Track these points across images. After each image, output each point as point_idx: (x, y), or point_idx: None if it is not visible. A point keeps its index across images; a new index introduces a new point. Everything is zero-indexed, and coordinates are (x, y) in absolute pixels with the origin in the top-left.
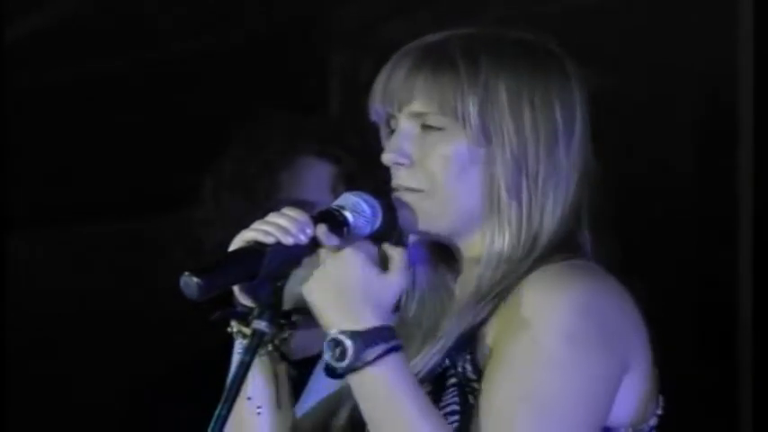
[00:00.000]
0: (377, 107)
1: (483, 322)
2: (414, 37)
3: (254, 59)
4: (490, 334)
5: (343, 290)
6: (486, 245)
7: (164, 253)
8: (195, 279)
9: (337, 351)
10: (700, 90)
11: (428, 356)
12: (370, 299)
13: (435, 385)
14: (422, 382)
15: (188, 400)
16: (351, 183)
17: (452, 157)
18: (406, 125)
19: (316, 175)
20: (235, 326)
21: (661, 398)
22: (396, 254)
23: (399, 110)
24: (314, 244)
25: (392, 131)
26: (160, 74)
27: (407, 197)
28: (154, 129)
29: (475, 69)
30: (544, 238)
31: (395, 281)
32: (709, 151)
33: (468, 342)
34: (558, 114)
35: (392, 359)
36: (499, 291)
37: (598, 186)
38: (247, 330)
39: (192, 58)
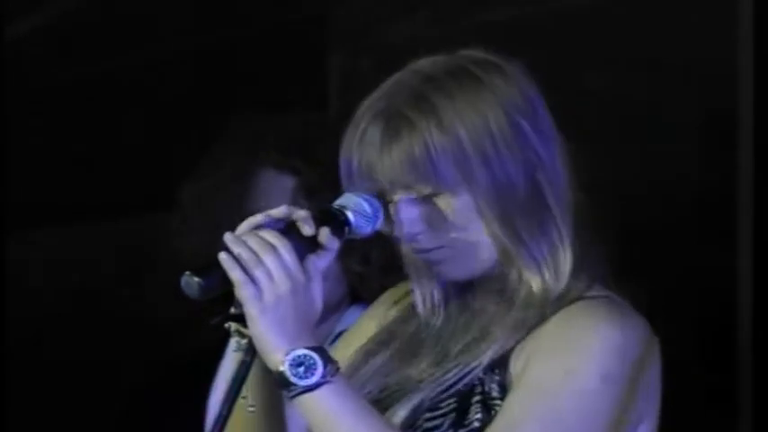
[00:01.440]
0: (360, 183)
1: (516, 345)
2: (413, 38)
3: (253, 59)
4: (522, 357)
5: (283, 313)
6: (513, 282)
7: (162, 253)
8: (196, 279)
9: (301, 369)
10: (700, 90)
11: (457, 375)
12: (308, 320)
13: (461, 401)
14: (447, 396)
15: (187, 400)
16: (311, 194)
17: (454, 212)
18: (403, 198)
19: (275, 187)
20: (233, 325)
21: None
22: (316, 264)
23: (392, 188)
24: (314, 243)
25: (386, 200)
26: (159, 73)
27: (435, 255)
28: (153, 128)
29: (436, 126)
30: (567, 254)
31: (316, 295)
32: (709, 151)
33: (499, 364)
34: (524, 125)
35: (344, 376)
36: (536, 319)
37: (591, 184)
38: (246, 330)
39: (192, 58)
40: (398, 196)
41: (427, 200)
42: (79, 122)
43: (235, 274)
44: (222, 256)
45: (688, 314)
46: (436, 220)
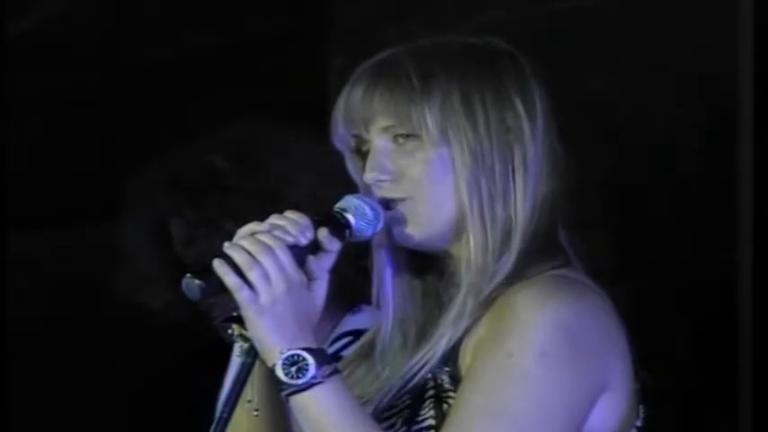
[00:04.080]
0: (342, 133)
1: (464, 334)
2: (413, 39)
3: (253, 60)
4: (470, 345)
5: (281, 313)
6: (465, 247)
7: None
8: (197, 281)
9: (293, 369)
10: (700, 90)
11: (412, 370)
12: (308, 319)
13: (414, 398)
14: (403, 393)
15: (187, 400)
16: (191, 242)
17: (431, 162)
18: (379, 142)
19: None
20: (235, 328)
21: (642, 408)
22: (316, 266)
23: (367, 130)
24: (315, 247)
25: (363, 154)
26: (160, 74)
27: (397, 210)
28: (154, 129)
29: (427, 78)
30: (518, 234)
31: (318, 295)
32: (709, 150)
33: (449, 354)
34: (519, 107)
35: (340, 377)
36: (482, 301)
37: (573, 180)
38: (248, 333)
39: (192, 59)
40: (374, 137)
41: (403, 144)
42: (79, 123)
43: (229, 279)
44: (216, 262)
45: (688, 314)
46: (408, 169)
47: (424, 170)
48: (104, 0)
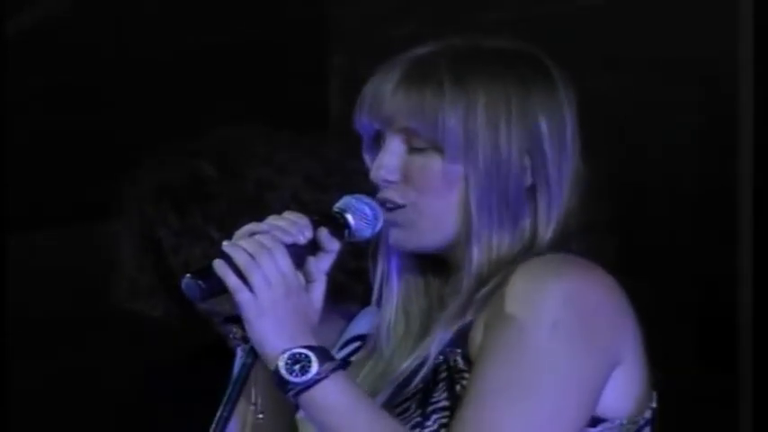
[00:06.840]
0: (364, 122)
1: (474, 318)
2: (413, 38)
3: (253, 60)
4: (480, 327)
5: (280, 316)
6: (467, 262)
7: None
8: (197, 281)
9: (297, 367)
10: (700, 90)
11: (418, 358)
12: (307, 321)
13: (427, 381)
14: (414, 379)
15: (186, 401)
16: (176, 249)
17: (442, 175)
18: (394, 141)
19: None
20: (237, 330)
21: (654, 393)
22: (315, 268)
23: (387, 126)
24: (314, 247)
25: (379, 145)
26: (160, 74)
27: (396, 214)
28: (154, 129)
29: (458, 85)
30: (534, 248)
31: (316, 297)
32: (709, 151)
33: (460, 338)
34: (542, 125)
35: (344, 372)
36: (488, 291)
37: (589, 190)
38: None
39: (193, 59)
40: (391, 134)
41: (417, 149)
42: (79, 122)
43: (229, 279)
44: (216, 262)
45: (688, 314)
46: (416, 176)
47: (432, 182)
48: (104, 1)
